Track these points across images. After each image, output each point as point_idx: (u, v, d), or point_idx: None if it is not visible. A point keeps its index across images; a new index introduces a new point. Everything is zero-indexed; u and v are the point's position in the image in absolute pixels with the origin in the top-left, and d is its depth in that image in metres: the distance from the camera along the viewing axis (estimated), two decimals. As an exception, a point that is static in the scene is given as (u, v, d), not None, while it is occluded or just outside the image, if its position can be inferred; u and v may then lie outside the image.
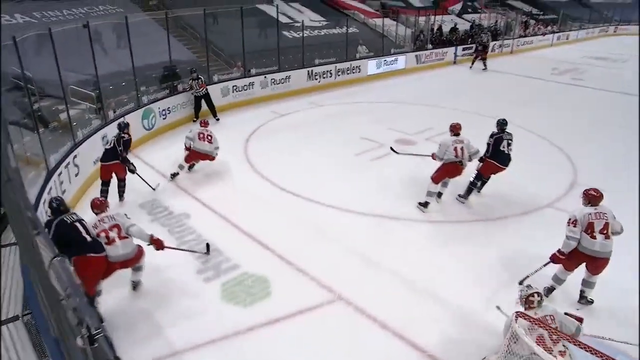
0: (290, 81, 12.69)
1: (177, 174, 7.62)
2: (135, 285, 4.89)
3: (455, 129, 6.72)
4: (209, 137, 7.55)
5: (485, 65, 17.91)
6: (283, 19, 16.95)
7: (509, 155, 6.68)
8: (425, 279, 5.19)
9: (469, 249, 5.83)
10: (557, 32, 28.34)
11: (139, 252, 4.70)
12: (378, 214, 6.55)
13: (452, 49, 19.00)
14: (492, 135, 6.72)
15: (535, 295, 3.78)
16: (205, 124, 7.80)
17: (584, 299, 4.90)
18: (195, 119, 10.45)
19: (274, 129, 10.23)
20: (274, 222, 6.33)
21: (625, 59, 22.74)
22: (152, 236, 4.70)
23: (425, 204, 6.73)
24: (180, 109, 10.45)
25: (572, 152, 9.29)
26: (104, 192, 6.59)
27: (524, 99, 13.70)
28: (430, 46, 18.56)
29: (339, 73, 14.02)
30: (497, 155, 6.64)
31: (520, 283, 4.86)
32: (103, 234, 4.45)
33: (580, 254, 4.69)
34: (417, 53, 17.29)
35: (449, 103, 12.44)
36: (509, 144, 6.64)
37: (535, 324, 3.42)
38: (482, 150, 6.72)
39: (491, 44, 20.08)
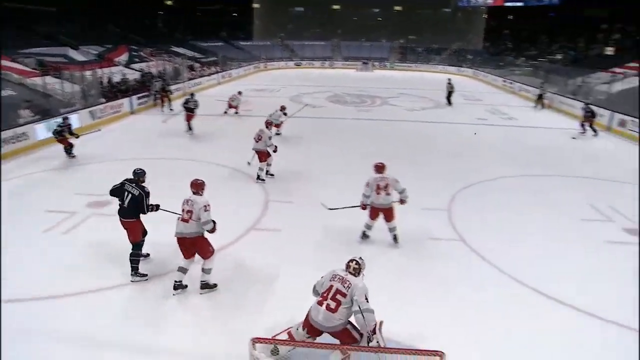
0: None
1: None
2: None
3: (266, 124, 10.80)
4: None
5: (171, 107, 19.11)
6: None
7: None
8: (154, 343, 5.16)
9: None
10: (220, 72, 31.30)
11: None
12: (89, 289, 6.07)
13: (127, 99, 18.91)
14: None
15: (353, 262, 4.58)
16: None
17: (395, 239, 7.32)
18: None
19: None
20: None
21: (277, 89, 26.88)
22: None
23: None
24: None
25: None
26: None
27: (206, 136, 14.81)
28: (103, 100, 18.06)
29: (2, 144, 12.31)
30: None
31: (330, 208, 7.61)
32: None
33: (374, 207, 7.16)
34: (91, 109, 16.58)
35: (143, 153, 12.50)
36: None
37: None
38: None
39: (172, 88, 21.20)
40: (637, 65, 24.36)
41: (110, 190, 6.37)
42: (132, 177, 6.28)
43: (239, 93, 18.89)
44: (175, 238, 5.84)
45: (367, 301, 4.25)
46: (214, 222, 5.75)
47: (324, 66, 44.88)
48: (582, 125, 16.35)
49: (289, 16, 55.91)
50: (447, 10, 56.50)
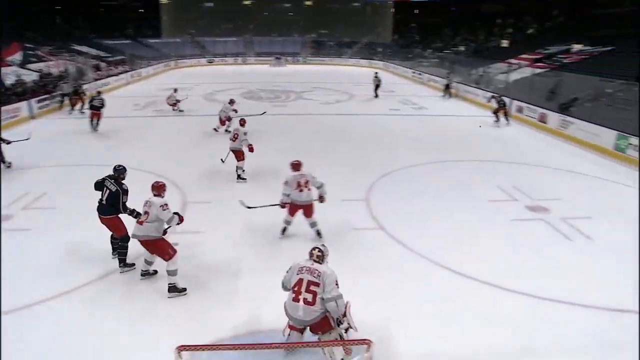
0: None
1: None
2: None
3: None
4: None
5: (82, 110, 17.72)
6: None
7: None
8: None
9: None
10: (129, 71, 29.89)
11: None
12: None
13: (26, 103, 17.49)
14: None
15: (316, 250, 4.64)
16: None
17: (318, 234, 7.35)
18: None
19: None
20: None
21: (190, 87, 26.12)
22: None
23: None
24: None
25: (175, 176, 10.16)
26: None
27: (117, 139, 14.10)
28: (-4, 104, 16.57)
29: None
30: None
31: (249, 207, 7.51)
32: None
33: (294, 205, 7.15)
34: (-18, 114, 15.18)
35: (49, 159, 11.68)
36: None
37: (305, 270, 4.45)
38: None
39: (85, 88, 19.95)
40: (528, 56, 26.59)
41: (94, 184, 6.40)
42: (113, 173, 6.33)
43: (175, 91, 18.60)
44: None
45: (338, 286, 4.37)
46: (176, 214, 5.88)
47: (237, 62, 44.28)
48: (496, 115, 16.89)
49: (199, 12, 54.48)
50: (356, 5, 57.85)
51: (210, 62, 43.57)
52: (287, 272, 4.63)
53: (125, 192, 6.19)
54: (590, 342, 5.17)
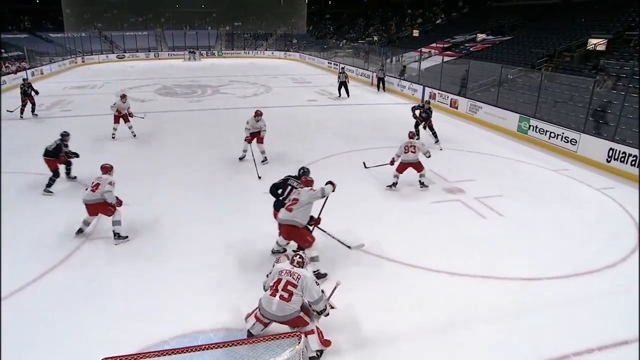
0: None
1: None
2: None
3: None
4: None
5: (35, 112, 16.51)
6: None
7: None
8: None
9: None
10: (29, 69, 27.71)
11: None
12: None
13: None
14: None
15: (297, 256, 4.91)
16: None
17: (116, 235, 7.07)
18: None
19: None
20: None
21: (100, 85, 24.81)
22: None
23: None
24: None
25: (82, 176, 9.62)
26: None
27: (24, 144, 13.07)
28: None
29: None
30: None
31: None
32: None
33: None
34: None
35: None
36: None
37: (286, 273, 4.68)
38: None
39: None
40: (438, 45, 27.91)
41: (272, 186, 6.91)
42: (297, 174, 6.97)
43: (123, 98, 13.31)
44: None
45: (318, 284, 4.73)
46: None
47: (149, 57, 42.50)
48: (417, 127, 13.22)
49: (105, 4, 51.62)
50: (270, -4, 57.57)
51: (120, 57, 41.46)
52: (268, 275, 4.90)
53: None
54: (506, 310, 5.59)
